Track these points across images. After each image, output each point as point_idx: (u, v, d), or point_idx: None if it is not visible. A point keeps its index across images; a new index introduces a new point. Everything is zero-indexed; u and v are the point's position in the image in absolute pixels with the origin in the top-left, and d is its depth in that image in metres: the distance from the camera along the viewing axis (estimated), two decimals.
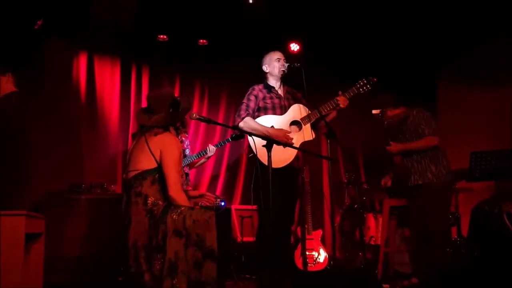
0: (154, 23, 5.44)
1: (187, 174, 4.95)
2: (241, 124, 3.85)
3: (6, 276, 2.83)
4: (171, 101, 3.05)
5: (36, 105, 4.77)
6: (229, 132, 6.15)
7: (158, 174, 2.88)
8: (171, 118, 3.03)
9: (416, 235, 4.23)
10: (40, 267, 3.40)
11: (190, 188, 4.82)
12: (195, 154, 4.94)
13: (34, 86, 4.75)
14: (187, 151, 4.95)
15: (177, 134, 3.12)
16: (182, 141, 4.79)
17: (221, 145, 5.08)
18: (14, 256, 2.88)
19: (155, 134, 2.93)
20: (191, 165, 5.06)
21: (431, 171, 4.07)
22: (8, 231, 2.89)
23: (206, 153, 4.90)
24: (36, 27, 4.80)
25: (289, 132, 3.82)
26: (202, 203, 3.70)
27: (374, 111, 4.27)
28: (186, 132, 3.17)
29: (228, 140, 5.02)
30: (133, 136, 3.16)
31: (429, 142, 4.10)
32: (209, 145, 4.97)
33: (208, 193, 3.72)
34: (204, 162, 5.21)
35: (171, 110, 3.03)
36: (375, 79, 3.93)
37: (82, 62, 5.48)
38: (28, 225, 3.02)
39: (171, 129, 3.07)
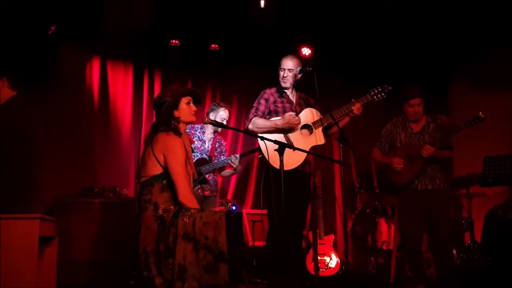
0: (166, 28, 5.48)
1: (205, 180, 4.38)
2: (250, 126, 3.87)
3: (21, 278, 2.87)
4: (155, 103, 3.00)
5: (50, 109, 4.84)
6: (240, 137, 6.18)
7: (166, 179, 2.85)
8: (159, 120, 2.96)
9: (415, 239, 4.13)
10: (53, 270, 3.43)
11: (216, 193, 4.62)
12: (220, 161, 4.47)
13: (48, 90, 4.82)
14: (222, 157, 4.54)
15: (173, 131, 2.93)
16: (220, 144, 4.59)
17: (244, 155, 4.62)
18: (28, 258, 2.92)
19: (152, 140, 2.89)
20: (219, 170, 4.61)
21: (438, 177, 4.06)
22: (23, 234, 2.94)
23: (229, 163, 4.39)
24: (50, 32, 4.86)
25: (294, 117, 3.80)
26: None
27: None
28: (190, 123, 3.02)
29: (253, 151, 4.52)
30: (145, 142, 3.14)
31: (451, 155, 4.15)
32: (232, 155, 4.44)
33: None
34: (232, 174, 4.82)
35: (158, 111, 2.97)
36: (390, 87, 3.90)
37: (95, 66, 5.54)
38: (42, 229, 3.06)
39: (179, 127, 2.97)
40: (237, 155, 4.45)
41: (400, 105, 4.22)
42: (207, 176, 4.37)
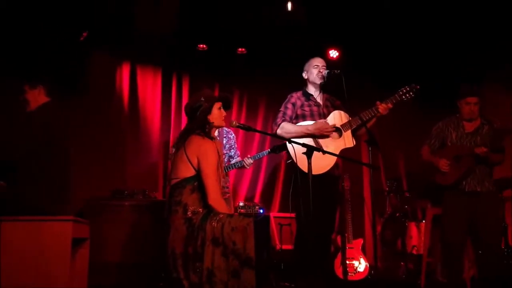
0: (194, 33, 5.54)
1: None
2: (278, 131, 3.86)
3: (55, 279, 2.94)
4: (190, 107, 3.04)
5: (81, 113, 4.95)
6: (268, 140, 6.19)
7: (197, 181, 2.88)
8: (194, 124, 3.01)
9: (459, 244, 4.03)
10: (84, 271, 3.49)
11: (230, 194, 4.67)
12: (231, 164, 4.58)
13: (79, 95, 4.93)
14: (233, 151, 4.59)
15: (207, 135, 2.99)
16: (228, 139, 4.60)
17: (259, 157, 4.74)
18: (62, 259, 2.98)
19: (184, 142, 2.93)
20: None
21: (487, 180, 3.96)
22: (57, 236, 3.00)
23: (242, 165, 4.52)
24: (81, 39, 4.98)
25: (327, 125, 3.80)
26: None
27: None
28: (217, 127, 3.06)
29: (267, 152, 4.67)
30: (174, 146, 3.18)
31: (502, 160, 4.02)
32: (246, 157, 4.56)
33: None
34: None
35: (192, 115, 3.03)
36: (418, 87, 3.86)
37: (125, 72, 5.63)
38: (75, 230, 3.12)
39: (208, 132, 3.02)
40: (251, 158, 4.45)
41: (433, 107, 4.16)
42: None
